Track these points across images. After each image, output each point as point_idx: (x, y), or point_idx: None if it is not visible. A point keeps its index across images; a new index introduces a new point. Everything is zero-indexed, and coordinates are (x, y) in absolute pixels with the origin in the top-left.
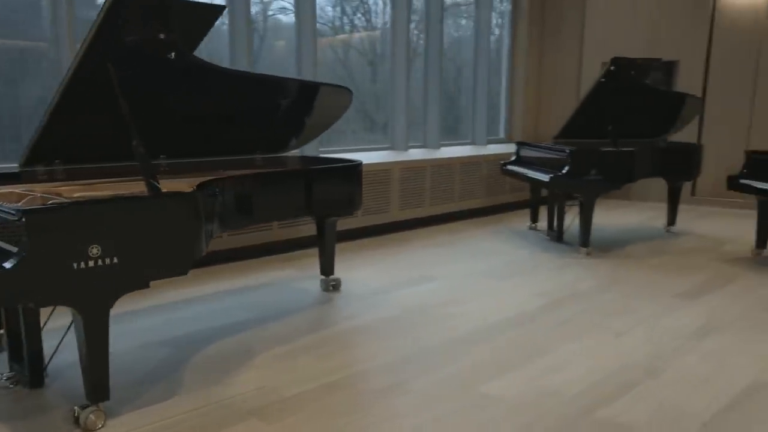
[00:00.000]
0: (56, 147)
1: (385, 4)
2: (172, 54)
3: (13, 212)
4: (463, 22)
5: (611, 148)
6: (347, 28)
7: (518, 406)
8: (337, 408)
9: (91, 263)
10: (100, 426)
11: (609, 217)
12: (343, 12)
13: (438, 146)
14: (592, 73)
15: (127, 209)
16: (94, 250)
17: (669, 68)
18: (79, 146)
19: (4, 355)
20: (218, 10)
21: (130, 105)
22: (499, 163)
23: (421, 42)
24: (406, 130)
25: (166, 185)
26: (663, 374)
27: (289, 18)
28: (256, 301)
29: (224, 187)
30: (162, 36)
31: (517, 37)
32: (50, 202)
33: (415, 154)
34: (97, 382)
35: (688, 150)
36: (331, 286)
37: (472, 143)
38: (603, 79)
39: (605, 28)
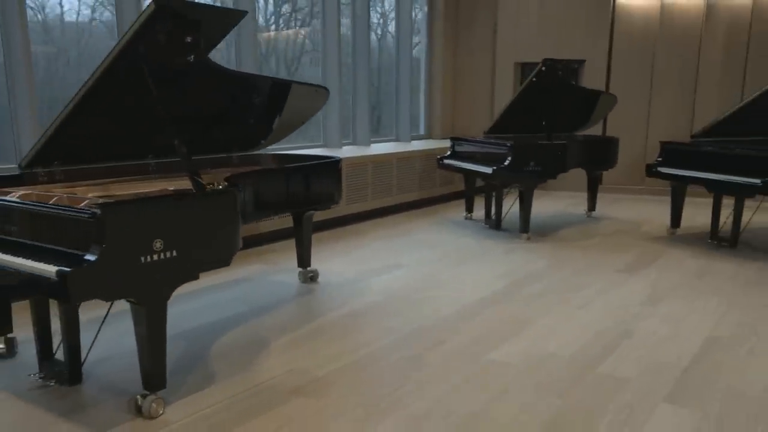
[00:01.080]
0: (62, 148)
1: (266, 2)
2: (192, 57)
3: (86, 210)
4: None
5: (546, 142)
6: None
7: (527, 369)
8: (369, 382)
9: (155, 257)
10: (161, 413)
11: (533, 206)
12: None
13: (368, 143)
14: (505, 73)
15: (185, 205)
16: (158, 244)
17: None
18: (83, 147)
19: (22, 356)
20: (240, 14)
21: (164, 106)
22: (436, 158)
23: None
24: (340, 127)
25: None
26: (634, 336)
27: None
28: (243, 295)
29: (245, 183)
30: (189, 39)
31: (434, 38)
32: (85, 203)
33: (349, 151)
34: (156, 371)
35: (607, 142)
36: (309, 277)
37: (397, 140)
38: (534, 78)
39: (516, 31)
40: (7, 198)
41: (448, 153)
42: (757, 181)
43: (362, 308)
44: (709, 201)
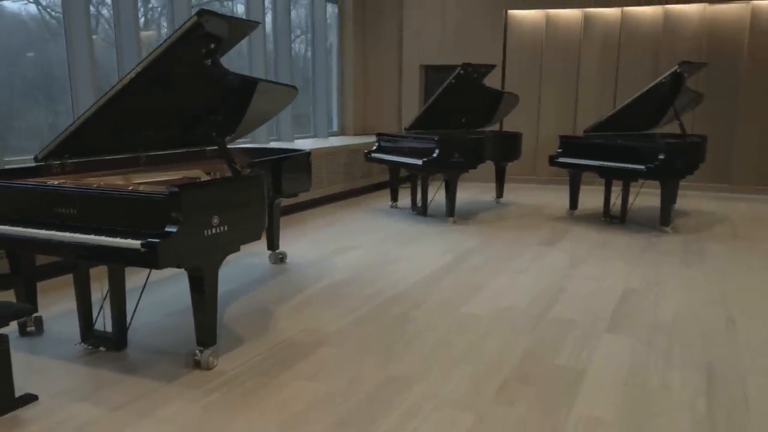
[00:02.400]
0: (76, 143)
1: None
2: (209, 60)
3: (164, 192)
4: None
5: (467, 137)
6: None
7: (496, 318)
8: (375, 334)
9: (214, 230)
10: (216, 364)
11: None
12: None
13: (292, 139)
14: (411, 74)
15: (233, 187)
16: (215, 220)
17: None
18: (91, 142)
19: (50, 333)
20: (254, 24)
21: (185, 104)
22: (363, 152)
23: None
24: (268, 124)
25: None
26: (567, 291)
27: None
28: (226, 275)
29: None
30: (212, 46)
31: (344, 40)
32: (131, 187)
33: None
34: (211, 329)
35: (513, 137)
36: (280, 258)
37: (315, 136)
38: (453, 81)
39: (420, 35)
40: (66, 185)
41: (375, 147)
42: (642, 167)
43: (338, 281)
44: (592, 188)
